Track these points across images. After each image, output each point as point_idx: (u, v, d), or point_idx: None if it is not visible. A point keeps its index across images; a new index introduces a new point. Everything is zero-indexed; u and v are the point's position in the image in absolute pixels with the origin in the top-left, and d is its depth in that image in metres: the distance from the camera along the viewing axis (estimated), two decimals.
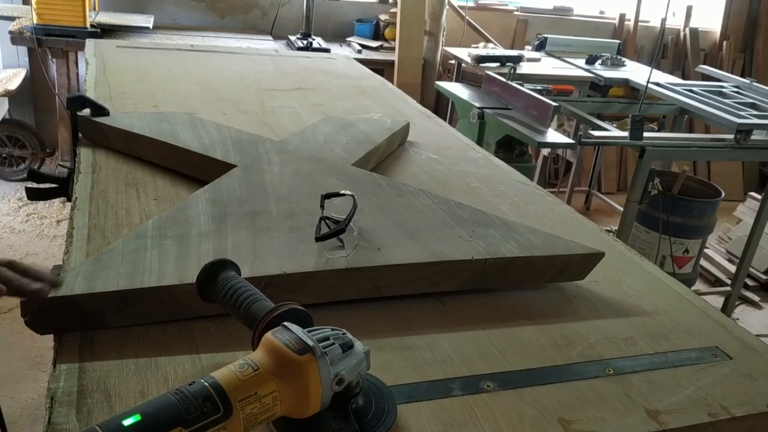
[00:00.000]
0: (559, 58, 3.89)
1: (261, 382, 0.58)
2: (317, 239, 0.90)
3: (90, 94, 1.55)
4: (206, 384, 0.56)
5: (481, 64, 3.53)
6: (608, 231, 1.41)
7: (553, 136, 2.66)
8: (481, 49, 3.92)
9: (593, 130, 2.68)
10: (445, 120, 2.24)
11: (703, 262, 3.64)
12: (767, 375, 0.85)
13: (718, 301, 3.27)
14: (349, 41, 4.34)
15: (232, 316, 0.75)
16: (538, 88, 3.24)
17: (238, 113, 1.61)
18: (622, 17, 5.12)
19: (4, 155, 3.83)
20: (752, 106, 3.10)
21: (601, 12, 5.27)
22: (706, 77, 4.04)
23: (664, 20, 3.14)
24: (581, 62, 3.79)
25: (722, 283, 3.59)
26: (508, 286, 1.00)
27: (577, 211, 1.34)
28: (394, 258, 0.91)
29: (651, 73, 2.90)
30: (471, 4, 4.69)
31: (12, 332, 2.50)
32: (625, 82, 3.53)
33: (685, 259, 3.08)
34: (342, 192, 0.98)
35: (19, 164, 3.88)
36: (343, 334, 0.65)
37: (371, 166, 1.37)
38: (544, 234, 1.04)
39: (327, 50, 3.80)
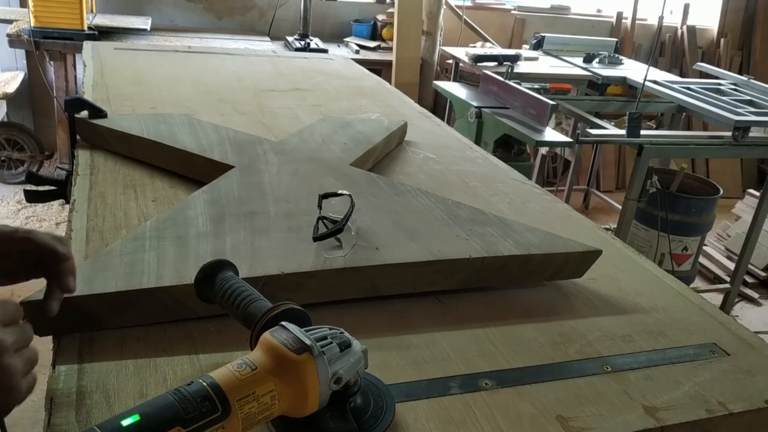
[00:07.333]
0: (556, 56, 3.89)
1: (259, 381, 0.58)
2: (315, 239, 0.91)
3: (88, 96, 1.55)
4: (205, 384, 0.56)
5: (478, 64, 3.54)
6: (607, 229, 1.41)
7: (551, 134, 2.66)
8: (479, 49, 3.93)
9: (591, 128, 2.68)
10: (443, 119, 2.24)
11: (702, 260, 3.64)
12: (765, 371, 0.85)
13: (717, 299, 3.27)
14: (347, 42, 4.35)
15: (230, 317, 0.75)
16: (536, 86, 3.24)
17: (236, 114, 1.62)
18: (620, 15, 5.13)
19: (2, 158, 3.83)
20: (750, 103, 3.10)
21: (599, 10, 5.27)
22: (703, 75, 4.05)
23: (661, 18, 3.14)
24: (579, 61, 3.79)
25: (721, 281, 3.59)
26: (506, 284, 1.00)
27: (576, 210, 1.34)
28: (392, 257, 0.91)
29: (648, 70, 2.91)
30: (468, 3, 4.69)
31: None
32: (623, 80, 3.53)
33: (684, 256, 3.08)
34: (340, 192, 0.98)
35: (18, 167, 3.88)
36: (340, 333, 0.65)
37: (369, 166, 1.37)
38: (542, 232, 1.04)
39: (325, 51, 3.80)
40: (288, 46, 3.99)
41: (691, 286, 2.90)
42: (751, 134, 2.73)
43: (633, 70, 3.73)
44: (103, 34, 3.49)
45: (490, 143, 2.77)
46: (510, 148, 2.85)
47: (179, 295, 0.81)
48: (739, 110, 2.79)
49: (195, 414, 0.54)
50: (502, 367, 0.81)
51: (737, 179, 5.11)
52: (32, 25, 3.28)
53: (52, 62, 3.50)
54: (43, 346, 0.77)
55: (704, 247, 3.44)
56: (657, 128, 3.69)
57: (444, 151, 1.55)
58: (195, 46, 2.69)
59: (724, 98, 3.05)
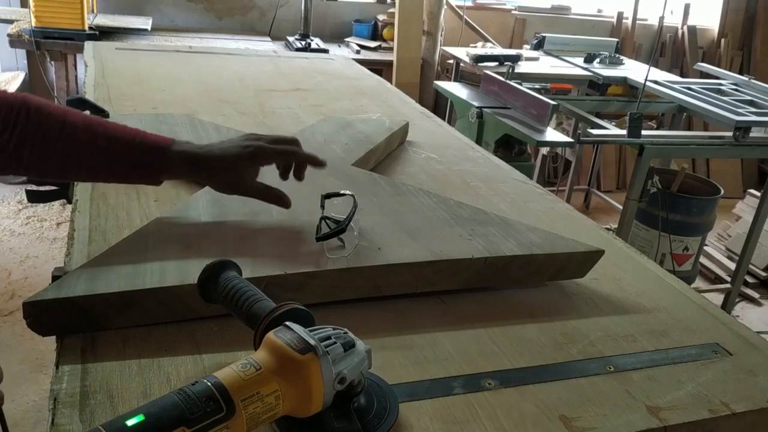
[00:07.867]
0: (557, 56, 3.89)
1: (263, 381, 0.59)
2: (318, 239, 0.91)
3: (89, 96, 1.55)
4: (209, 384, 0.56)
5: (479, 64, 3.54)
6: (608, 229, 1.41)
7: (551, 134, 2.66)
8: (480, 49, 3.93)
9: (592, 128, 2.68)
10: (444, 119, 2.24)
11: (702, 260, 3.65)
12: (767, 371, 0.85)
13: (718, 299, 3.27)
14: (348, 42, 4.35)
15: (233, 317, 0.75)
16: (537, 87, 3.24)
17: (237, 114, 1.62)
18: (620, 15, 5.13)
19: None
20: (751, 103, 3.11)
21: (599, 10, 5.27)
22: (704, 75, 4.05)
23: (662, 18, 3.15)
24: (579, 61, 3.80)
25: (722, 281, 3.59)
26: (508, 284, 1.00)
27: (577, 210, 1.34)
28: (395, 257, 0.91)
29: (649, 71, 2.91)
30: (469, 3, 4.69)
31: (13, 335, 2.51)
32: (624, 81, 3.54)
33: (685, 256, 3.08)
34: (342, 192, 0.98)
35: None
36: (344, 333, 0.65)
37: (371, 166, 1.37)
38: (543, 232, 1.04)
39: (325, 51, 3.80)
40: (289, 46, 3.99)
41: (692, 286, 2.91)
42: (751, 134, 2.73)
43: (634, 70, 3.73)
44: (104, 34, 3.49)
45: (491, 143, 2.77)
46: (511, 148, 2.86)
47: (182, 295, 0.81)
48: (739, 110, 2.79)
49: (199, 414, 0.54)
50: (504, 367, 0.81)
51: (738, 179, 5.12)
52: (33, 25, 3.28)
53: (52, 62, 3.50)
54: (46, 346, 0.77)
55: (705, 247, 3.45)
56: (658, 128, 3.69)
57: (445, 151, 1.55)
58: (196, 46, 2.69)
59: (724, 98, 3.05)
